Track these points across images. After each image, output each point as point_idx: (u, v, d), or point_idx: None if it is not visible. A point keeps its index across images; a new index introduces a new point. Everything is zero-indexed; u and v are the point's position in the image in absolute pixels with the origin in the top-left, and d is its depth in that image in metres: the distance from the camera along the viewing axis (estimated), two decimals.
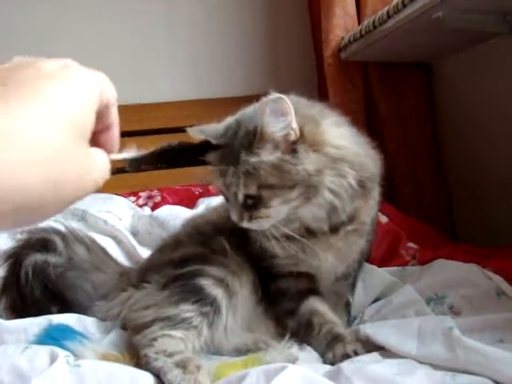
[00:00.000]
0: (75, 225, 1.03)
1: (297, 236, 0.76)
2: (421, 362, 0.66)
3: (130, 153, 0.44)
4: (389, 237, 1.16)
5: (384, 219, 1.21)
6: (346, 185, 0.75)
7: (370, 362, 0.67)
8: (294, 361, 0.71)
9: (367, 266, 0.98)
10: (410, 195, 1.53)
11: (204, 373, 0.64)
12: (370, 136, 0.85)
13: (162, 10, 1.83)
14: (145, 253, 1.09)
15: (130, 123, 1.42)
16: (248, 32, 1.89)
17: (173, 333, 0.71)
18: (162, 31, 1.84)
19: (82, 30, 1.76)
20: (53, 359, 0.62)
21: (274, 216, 0.74)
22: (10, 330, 0.73)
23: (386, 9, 1.26)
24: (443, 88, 1.54)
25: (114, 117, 0.40)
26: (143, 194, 1.46)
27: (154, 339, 0.69)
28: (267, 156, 0.71)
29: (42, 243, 0.87)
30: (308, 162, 0.71)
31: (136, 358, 0.69)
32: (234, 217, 0.76)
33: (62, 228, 0.92)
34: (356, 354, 0.73)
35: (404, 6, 1.18)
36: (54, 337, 0.71)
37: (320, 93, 1.79)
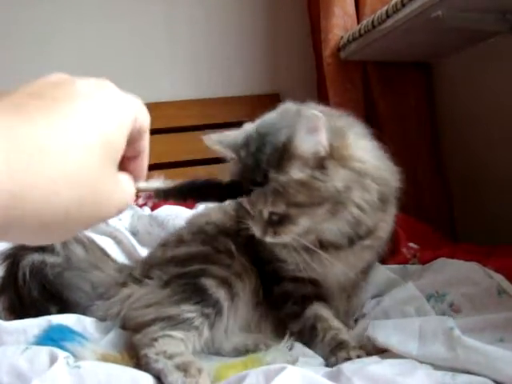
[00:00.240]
0: None
1: (315, 248, 0.75)
2: (421, 362, 0.66)
3: (157, 183, 0.43)
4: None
5: None
6: (371, 200, 0.74)
7: (370, 363, 0.67)
8: (294, 361, 0.71)
9: None
10: (410, 195, 1.52)
11: (205, 376, 0.64)
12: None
13: (162, 9, 1.83)
14: (145, 253, 1.09)
15: None
16: (248, 32, 1.89)
17: (173, 333, 0.71)
18: (162, 31, 1.84)
19: (82, 30, 1.76)
20: (53, 360, 0.62)
21: (298, 232, 0.74)
22: (9, 331, 0.73)
23: (385, 8, 1.26)
24: (443, 87, 1.54)
25: (146, 145, 0.39)
26: (143, 194, 1.46)
27: (155, 339, 0.69)
28: (297, 174, 0.69)
29: None
30: (337, 178, 0.70)
31: (135, 358, 0.69)
32: (258, 233, 0.75)
33: None
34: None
35: (403, 5, 1.18)
36: (53, 338, 0.70)
37: (319, 92, 1.79)
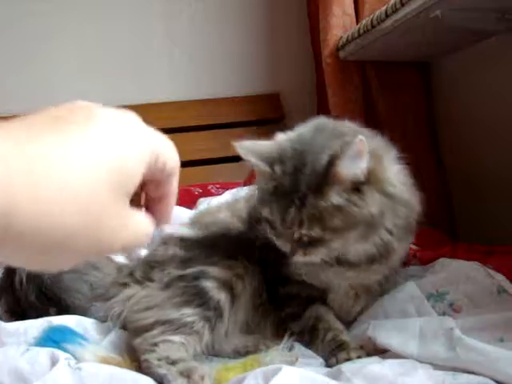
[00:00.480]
0: None
1: (333, 263, 0.75)
2: (421, 362, 0.66)
3: (183, 231, 0.42)
4: None
5: None
6: (400, 224, 0.75)
7: (371, 363, 0.67)
8: (294, 362, 0.71)
9: None
10: None
11: (208, 382, 0.64)
12: None
13: (162, 10, 1.83)
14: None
15: None
16: (247, 32, 1.89)
17: (173, 338, 0.71)
18: (162, 31, 1.84)
19: (82, 29, 1.76)
20: (54, 362, 0.63)
21: (328, 254, 0.73)
22: (9, 333, 0.73)
23: (384, 8, 1.26)
24: (442, 87, 1.54)
25: (173, 188, 0.37)
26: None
27: (155, 344, 0.69)
28: (336, 199, 0.68)
29: None
30: (372, 203, 0.69)
31: (137, 361, 0.69)
32: (289, 253, 0.74)
33: None
34: None
35: (402, 4, 1.18)
36: (54, 339, 0.70)
37: (319, 92, 1.79)
